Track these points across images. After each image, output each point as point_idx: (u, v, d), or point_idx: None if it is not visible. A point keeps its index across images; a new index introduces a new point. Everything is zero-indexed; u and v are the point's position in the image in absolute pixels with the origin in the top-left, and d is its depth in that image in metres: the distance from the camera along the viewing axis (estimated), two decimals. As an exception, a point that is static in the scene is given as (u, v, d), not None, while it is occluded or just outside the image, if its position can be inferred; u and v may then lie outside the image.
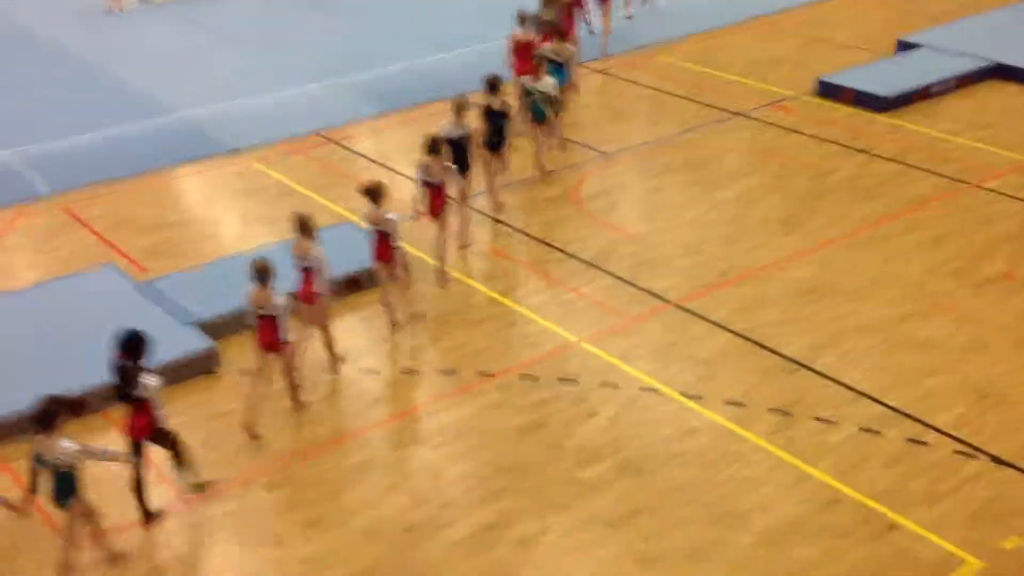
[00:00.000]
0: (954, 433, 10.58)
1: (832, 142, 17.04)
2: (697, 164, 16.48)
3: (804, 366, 11.65)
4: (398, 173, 15.97)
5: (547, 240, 14.36)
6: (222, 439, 10.77)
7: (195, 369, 11.71)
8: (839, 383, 11.36)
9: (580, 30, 19.91)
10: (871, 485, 9.94)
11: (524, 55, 16.72)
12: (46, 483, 8.75)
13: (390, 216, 11.77)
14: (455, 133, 13.57)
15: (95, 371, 10.40)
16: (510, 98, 15.46)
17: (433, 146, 12.73)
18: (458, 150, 13.50)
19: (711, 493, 9.92)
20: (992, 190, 15.32)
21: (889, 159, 16.38)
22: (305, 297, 11.20)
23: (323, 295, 11.22)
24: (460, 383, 11.58)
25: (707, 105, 18.63)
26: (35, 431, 8.62)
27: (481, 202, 15.01)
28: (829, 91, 18.77)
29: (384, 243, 11.90)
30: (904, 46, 20.66)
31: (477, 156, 14.21)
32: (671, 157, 16.75)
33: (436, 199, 12.93)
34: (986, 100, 18.61)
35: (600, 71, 20.35)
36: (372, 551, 9.37)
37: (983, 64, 19.43)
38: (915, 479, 10.00)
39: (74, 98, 19.86)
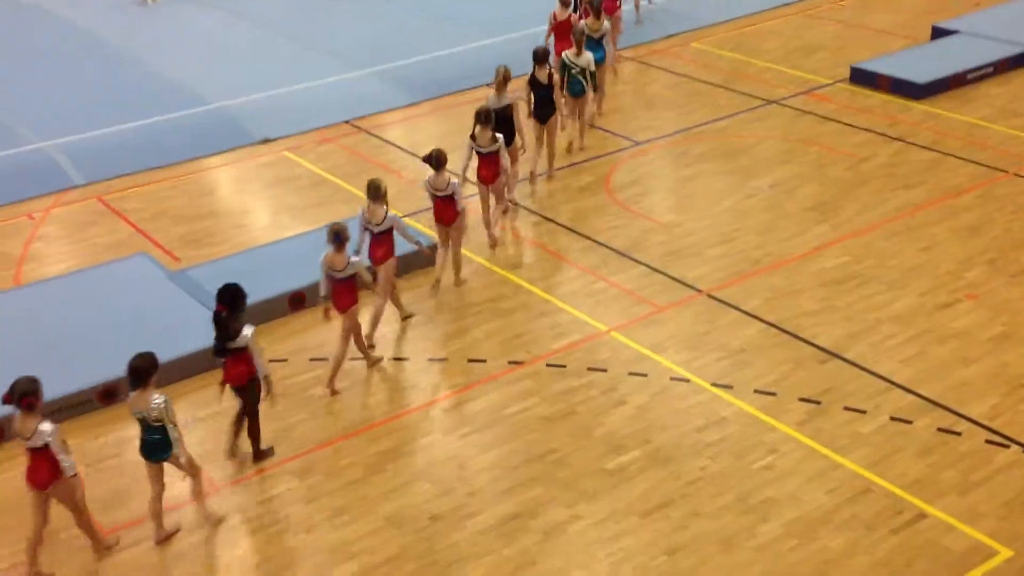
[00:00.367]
0: (987, 423, 10.46)
1: (867, 130, 16.87)
2: (731, 153, 16.37)
3: (836, 356, 11.55)
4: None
5: (578, 229, 14.31)
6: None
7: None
8: (871, 373, 11.25)
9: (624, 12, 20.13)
10: (902, 475, 9.84)
11: (563, 33, 17.10)
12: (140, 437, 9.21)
13: (453, 180, 12.49)
14: (499, 104, 14.09)
15: (128, 358, 10.42)
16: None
17: (484, 117, 13.31)
18: (502, 121, 13.93)
19: (741, 483, 9.85)
20: (1029, 178, 15.16)
21: (925, 147, 16.21)
22: (376, 260, 11.72)
23: (392, 257, 11.78)
24: (489, 371, 11.56)
25: (741, 93, 18.49)
26: (130, 387, 9.07)
27: (522, 189, 15.12)
28: (864, 78, 18.58)
29: (446, 206, 12.55)
30: (940, 32, 20.42)
31: (527, 127, 14.95)
32: (704, 146, 16.64)
33: (486, 169, 13.50)
34: (1023, 87, 18.35)
35: (633, 58, 20.25)
36: (398, 540, 9.37)
37: (1020, 50, 19.18)
38: (947, 469, 9.90)
39: (108, 89, 19.99)
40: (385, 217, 11.68)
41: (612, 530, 9.38)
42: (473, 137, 13.46)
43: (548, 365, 11.60)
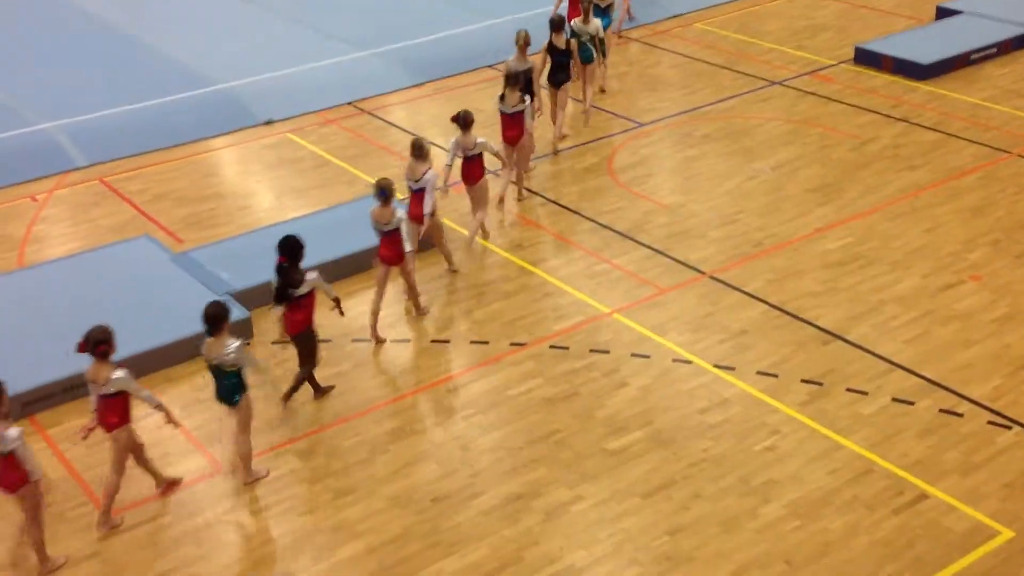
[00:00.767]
0: (989, 404, 10.48)
1: (871, 111, 16.84)
2: (734, 134, 16.35)
3: (838, 337, 11.56)
4: (432, 143, 15.90)
5: (581, 210, 14.31)
6: (255, 408, 10.80)
7: (229, 339, 11.79)
8: (873, 354, 11.26)
9: None
10: (904, 456, 9.86)
11: (572, 3, 18.24)
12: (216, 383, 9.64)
13: (480, 140, 13.08)
14: (520, 67, 14.64)
15: (131, 339, 10.49)
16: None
17: (513, 79, 13.93)
18: (523, 82, 14.40)
19: (743, 464, 9.88)
20: (1033, 159, 15.13)
21: (928, 128, 16.17)
22: (415, 216, 12.20)
23: (428, 214, 12.17)
24: (492, 353, 11.59)
25: (745, 74, 18.45)
26: (206, 334, 9.46)
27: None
28: (868, 59, 18.53)
29: (475, 165, 13.15)
30: (944, 13, 20.34)
31: (542, 91, 15.59)
32: (708, 127, 16.62)
33: (511, 129, 14.08)
34: (1028, 68, 18.34)
35: (636, 39, 20.20)
36: (401, 520, 9.41)
37: (1024, 31, 19.12)
38: (948, 450, 9.92)
39: (112, 70, 19.96)
40: (423, 175, 12.11)
41: (614, 511, 9.42)
42: (502, 98, 13.97)
43: (550, 347, 11.62)
